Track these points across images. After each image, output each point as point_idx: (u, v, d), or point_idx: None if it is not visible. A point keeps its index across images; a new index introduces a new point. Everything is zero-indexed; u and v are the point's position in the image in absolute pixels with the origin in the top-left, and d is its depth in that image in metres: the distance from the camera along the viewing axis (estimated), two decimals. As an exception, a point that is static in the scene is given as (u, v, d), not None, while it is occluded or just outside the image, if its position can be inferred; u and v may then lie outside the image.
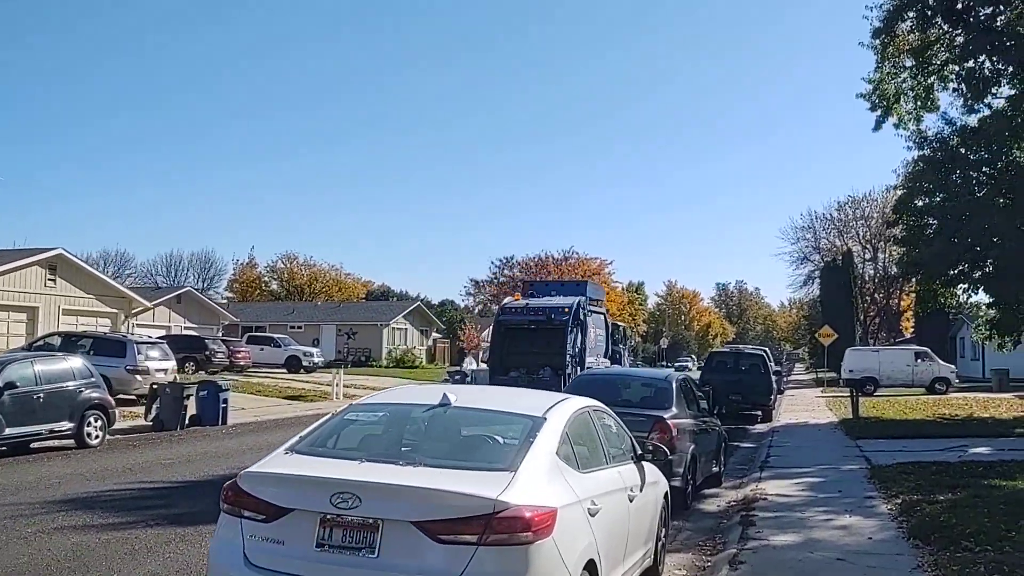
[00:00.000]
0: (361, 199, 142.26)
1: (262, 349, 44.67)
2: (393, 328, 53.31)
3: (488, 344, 20.62)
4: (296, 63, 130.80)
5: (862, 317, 57.13)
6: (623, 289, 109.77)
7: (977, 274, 23.71)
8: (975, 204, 23.34)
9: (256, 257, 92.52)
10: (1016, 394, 36.06)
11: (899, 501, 10.20)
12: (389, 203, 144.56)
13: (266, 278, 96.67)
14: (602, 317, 23.55)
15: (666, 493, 7.25)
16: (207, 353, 36.77)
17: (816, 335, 43.15)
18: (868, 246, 65.11)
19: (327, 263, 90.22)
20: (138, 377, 23.33)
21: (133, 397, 22.93)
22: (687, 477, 10.29)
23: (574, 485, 4.93)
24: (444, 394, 5.42)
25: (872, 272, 66.04)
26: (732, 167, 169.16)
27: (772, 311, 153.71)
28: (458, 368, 37.98)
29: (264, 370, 42.86)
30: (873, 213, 65.82)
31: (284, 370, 43.29)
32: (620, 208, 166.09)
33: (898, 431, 19.46)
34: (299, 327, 53.40)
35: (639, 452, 6.55)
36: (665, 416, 10.20)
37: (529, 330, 19.29)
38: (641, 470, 6.44)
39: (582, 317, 20.50)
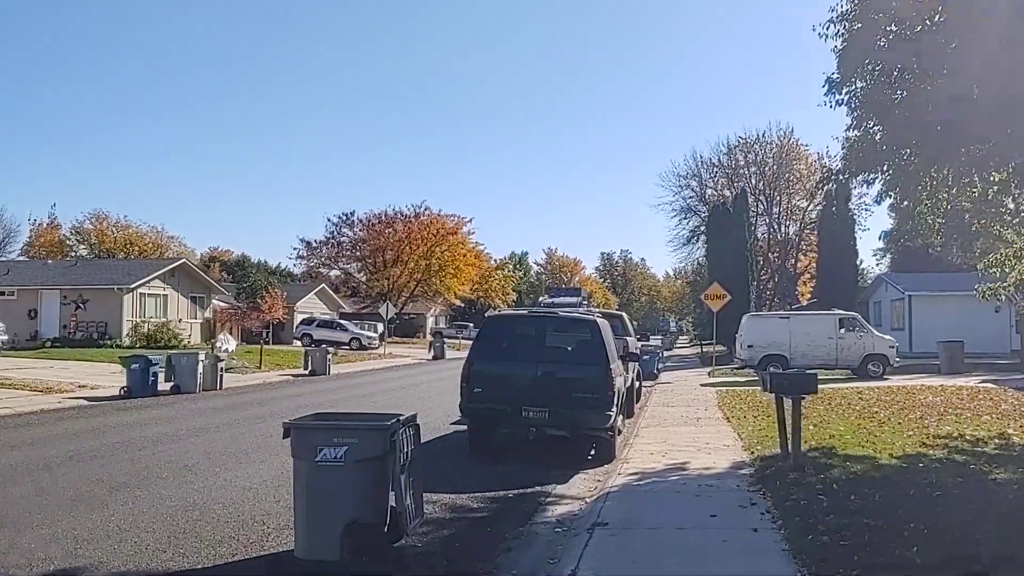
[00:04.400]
0: (192, 158, 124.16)
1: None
2: (141, 294, 38.07)
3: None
4: (109, 14, 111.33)
5: (755, 280, 45.36)
6: (501, 260, 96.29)
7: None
8: None
9: (58, 217, 75.45)
10: (982, 377, 24.30)
11: None
12: (219, 162, 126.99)
13: (71, 241, 79.36)
14: (586, 307, 26.44)
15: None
16: None
17: (702, 298, 30.74)
18: (762, 197, 53.59)
19: (146, 224, 73.86)
20: None
21: None
22: None
23: None
24: None
25: (765, 229, 54.62)
26: (618, 131, 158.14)
27: (657, 282, 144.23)
28: (140, 356, 23.59)
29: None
30: (767, 158, 54.47)
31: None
32: (502, 176, 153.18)
33: (933, 536, 6.43)
34: (11, 293, 37.58)
35: None
36: None
37: None
38: None
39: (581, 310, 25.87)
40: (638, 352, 18.73)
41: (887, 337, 25.83)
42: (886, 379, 24.96)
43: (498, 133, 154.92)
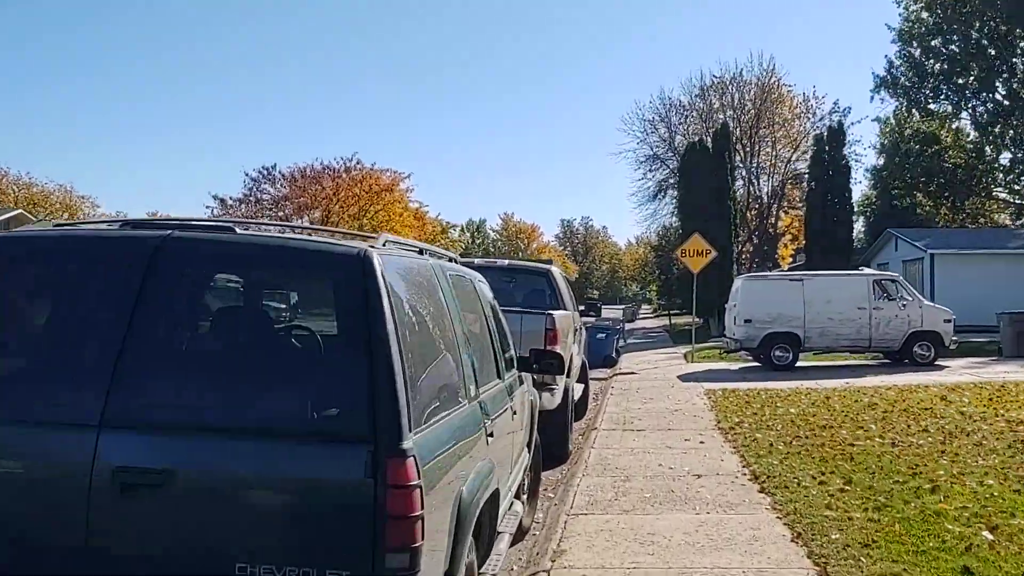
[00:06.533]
0: (117, 118, 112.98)
1: None
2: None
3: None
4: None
5: (737, 237, 37.39)
6: (447, 223, 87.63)
7: None
8: None
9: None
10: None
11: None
12: (147, 122, 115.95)
13: (-39, 203, 69.06)
14: None
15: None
16: None
17: (678, 256, 22.54)
18: (738, 147, 45.42)
19: (53, 182, 63.63)
20: None
21: None
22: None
23: None
24: None
25: (742, 183, 46.55)
26: (582, 90, 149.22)
27: (619, 250, 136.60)
28: None
29: None
30: (745, 101, 46.34)
31: None
32: (460, 140, 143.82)
33: None
34: None
35: None
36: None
37: None
38: None
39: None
40: (579, 341, 10.48)
41: (941, 307, 17.86)
42: (941, 367, 17.09)
43: (456, 95, 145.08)
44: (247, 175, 57.76)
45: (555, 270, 10.11)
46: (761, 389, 14.06)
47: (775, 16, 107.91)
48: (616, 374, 18.21)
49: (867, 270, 19.48)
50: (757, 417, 10.91)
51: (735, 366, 19.22)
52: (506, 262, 10.16)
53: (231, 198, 57.74)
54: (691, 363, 20.31)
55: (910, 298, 17.79)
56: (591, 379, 18.10)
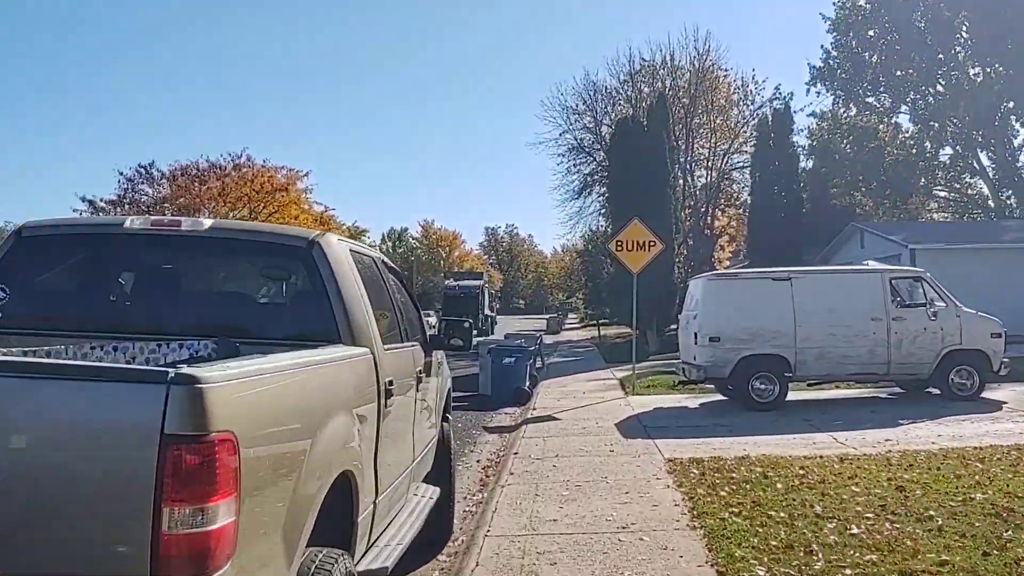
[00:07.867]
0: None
1: None
2: None
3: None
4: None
5: (679, 232, 31.98)
6: (356, 227, 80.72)
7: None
8: None
9: None
10: None
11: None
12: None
13: None
14: (487, 289, 39.04)
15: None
16: None
17: (613, 250, 16.66)
18: (670, 136, 40.19)
19: None
20: None
21: None
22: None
23: None
24: None
25: (675, 177, 41.36)
26: (505, 91, 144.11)
27: (545, 258, 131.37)
28: None
29: None
30: (678, 87, 41.31)
31: None
32: (379, 146, 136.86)
33: None
34: None
35: None
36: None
37: (459, 297, 35.53)
38: None
39: (483, 290, 40.37)
40: (429, 408, 4.53)
41: (987, 316, 12.49)
42: (994, 403, 11.70)
43: (375, 100, 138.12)
44: (121, 174, 50.06)
45: (332, 241, 4.05)
46: (757, 457, 8.30)
47: (712, 6, 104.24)
48: (528, 420, 12.23)
49: (875, 264, 13.96)
50: (796, 555, 5.06)
51: (694, 401, 13.52)
52: (207, 224, 4.04)
53: (102, 200, 50.02)
54: (633, 395, 14.51)
55: (943, 304, 12.34)
56: (491, 429, 12.16)
